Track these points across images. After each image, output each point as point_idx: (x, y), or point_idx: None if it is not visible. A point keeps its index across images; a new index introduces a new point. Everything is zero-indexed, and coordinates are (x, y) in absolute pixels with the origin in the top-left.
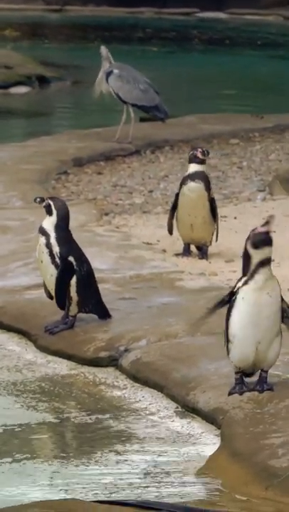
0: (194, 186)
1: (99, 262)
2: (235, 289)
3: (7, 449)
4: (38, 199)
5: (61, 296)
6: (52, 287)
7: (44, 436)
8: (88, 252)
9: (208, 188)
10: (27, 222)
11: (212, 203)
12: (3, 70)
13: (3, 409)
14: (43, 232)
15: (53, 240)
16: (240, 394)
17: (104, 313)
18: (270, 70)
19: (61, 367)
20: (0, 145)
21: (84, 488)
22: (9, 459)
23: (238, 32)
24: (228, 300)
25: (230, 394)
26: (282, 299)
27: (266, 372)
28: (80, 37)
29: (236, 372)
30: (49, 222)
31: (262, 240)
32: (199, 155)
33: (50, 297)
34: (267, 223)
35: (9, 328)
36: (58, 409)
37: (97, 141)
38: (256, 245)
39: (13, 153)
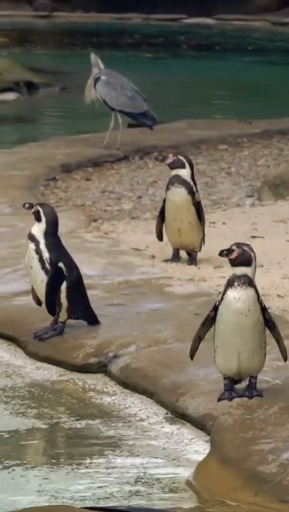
0: (175, 190)
1: (87, 268)
2: (217, 303)
3: None
4: (27, 205)
5: (51, 301)
6: (42, 293)
7: (33, 443)
8: (77, 258)
9: (190, 191)
10: (16, 228)
11: (197, 206)
12: None
13: None
14: (32, 238)
15: (42, 246)
16: (230, 400)
17: (93, 319)
18: (258, 75)
19: (50, 373)
20: None
21: (74, 494)
22: None
23: (226, 38)
24: (214, 316)
25: (219, 400)
26: (264, 309)
27: (255, 378)
28: (68, 43)
29: (225, 378)
30: (38, 229)
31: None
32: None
33: (39, 303)
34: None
35: None
36: (48, 415)
37: (86, 147)
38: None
39: (1, 160)
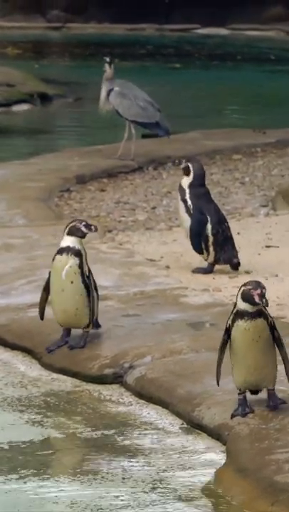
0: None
1: (103, 279)
2: (227, 325)
3: (12, 466)
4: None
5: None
6: (66, 307)
7: (49, 452)
8: (92, 269)
9: (182, 199)
10: (31, 240)
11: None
12: (5, 88)
13: (8, 425)
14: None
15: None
16: (243, 416)
17: (96, 324)
18: (272, 85)
19: (66, 384)
20: (2, 163)
21: (89, 504)
22: (15, 476)
23: (239, 48)
24: (228, 338)
25: (232, 417)
26: (273, 327)
27: (272, 389)
28: (81, 54)
29: (239, 394)
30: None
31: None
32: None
33: (42, 316)
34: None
35: (13, 347)
36: (64, 425)
37: (100, 158)
38: (243, 299)
39: (15, 171)
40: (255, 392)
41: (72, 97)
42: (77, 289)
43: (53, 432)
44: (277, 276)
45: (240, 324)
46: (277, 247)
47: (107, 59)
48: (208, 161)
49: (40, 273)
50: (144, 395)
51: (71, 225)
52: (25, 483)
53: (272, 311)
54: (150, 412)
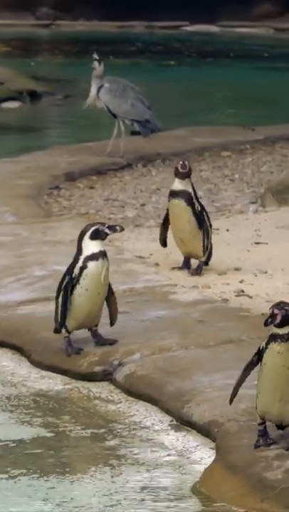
0: (175, 203)
1: None
2: (261, 347)
3: (1, 465)
4: None
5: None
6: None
7: (39, 452)
8: None
9: (190, 202)
10: (20, 237)
11: (199, 215)
12: None
13: None
14: (105, 255)
15: None
16: (267, 446)
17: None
18: (261, 82)
19: (55, 382)
20: None
21: (79, 503)
22: (4, 475)
23: (229, 44)
24: (257, 360)
25: (256, 447)
26: None
27: None
28: (70, 52)
29: (260, 424)
30: None
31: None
32: (179, 168)
33: (59, 330)
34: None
35: (2, 344)
36: (53, 424)
37: (89, 156)
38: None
39: (4, 169)
40: (280, 427)
41: (62, 95)
42: (106, 289)
43: (43, 431)
44: (266, 273)
45: (274, 347)
46: (267, 243)
47: (96, 56)
48: (197, 157)
49: (29, 270)
50: (134, 392)
51: (93, 229)
52: (15, 482)
53: (261, 308)
54: (140, 410)
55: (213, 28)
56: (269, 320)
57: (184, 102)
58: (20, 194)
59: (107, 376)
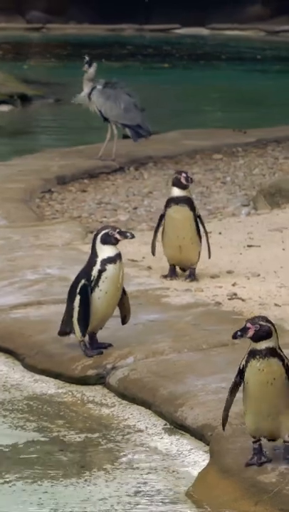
0: (179, 208)
1: None
2: (241, 366)
3: None
4: None
5: None
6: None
7: (33, 456)
8: (74, 270)
9: (192, 208)
10: (11, 241)
11: (198, 222)
12: None
13: None
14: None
15: None
16: (259, 465)
17: None
18: (252, 84)
19: (49, 386)
20: None
21: (74, 508)
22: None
23: (220, 47)
24: (240, 380)
25: (247, 465)
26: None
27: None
28: (61, 55)
29: (254, 442)
30: None
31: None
32: (183, 181)
33: (66, 333)
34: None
35: None
36: (47, 428)
37: (81, 159)
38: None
39: None
40: (271, 440)
41: (53, 98)
42: (120, 291)
43: (37, 435)
44: (259, 275)
45: (254, 364)
46: (259, 246)
47: (87, 59)
48: (189, 160)
49: (21, 274)
50: (127, 395)
51: (103, 232)
52: (9, 487)
53: (254, 310)
54: (133, 413)
55: (203, 31)
56: (239, 333)
57: (174, 105)
58: (11, 198)
59: (100, 380)
